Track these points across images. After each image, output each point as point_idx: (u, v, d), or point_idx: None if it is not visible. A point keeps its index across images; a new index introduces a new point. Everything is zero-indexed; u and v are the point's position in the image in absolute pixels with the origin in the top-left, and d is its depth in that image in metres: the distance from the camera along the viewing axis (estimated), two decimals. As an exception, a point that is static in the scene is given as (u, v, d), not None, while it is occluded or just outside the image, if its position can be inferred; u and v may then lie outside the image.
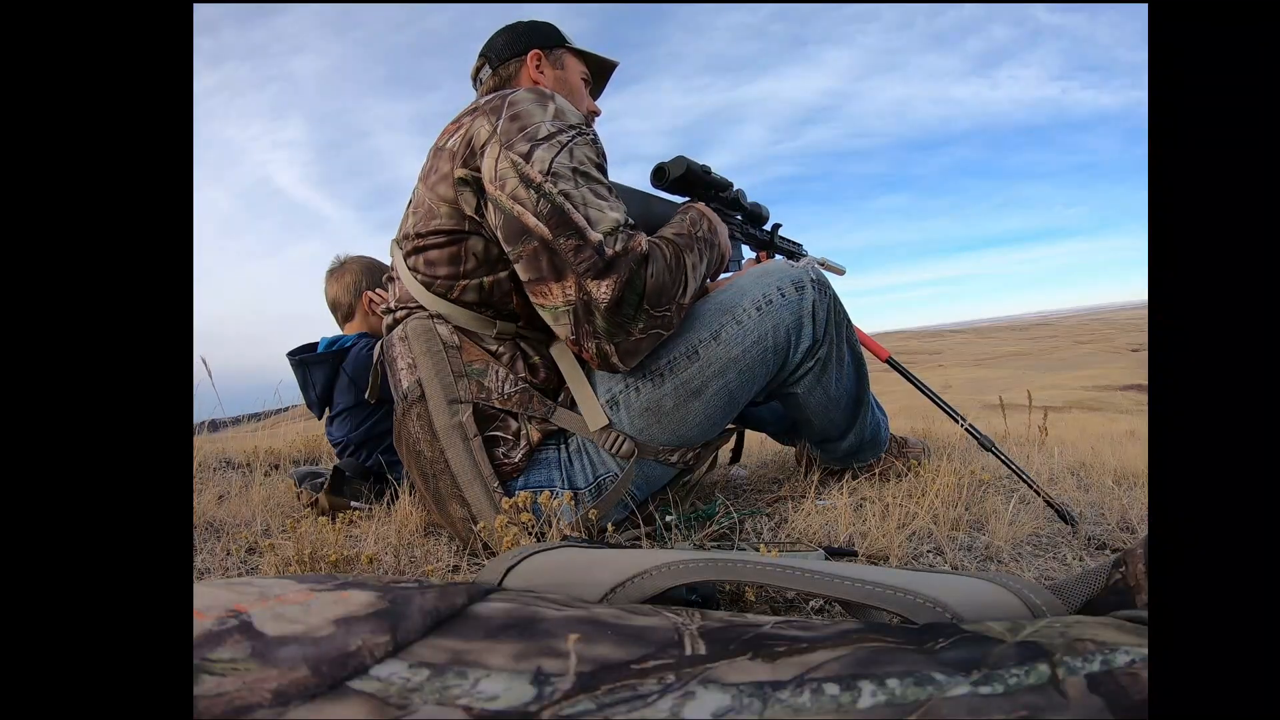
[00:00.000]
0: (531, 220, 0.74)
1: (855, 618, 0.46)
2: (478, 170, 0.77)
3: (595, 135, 0.81)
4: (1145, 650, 0.25)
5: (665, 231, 0.85)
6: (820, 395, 0.95)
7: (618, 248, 0.74)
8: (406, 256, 0.87)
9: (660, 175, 1.03)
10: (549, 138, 0.76)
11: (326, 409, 1.33)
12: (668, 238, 0.82)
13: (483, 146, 0.78)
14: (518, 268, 0.77)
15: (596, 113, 1.05)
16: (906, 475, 1.06)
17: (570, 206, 0.73)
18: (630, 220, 0.77)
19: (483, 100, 0.83)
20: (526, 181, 0.74)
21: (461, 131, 0.81)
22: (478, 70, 1.01)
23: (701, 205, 0.94)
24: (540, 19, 1.03)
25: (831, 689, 0.24)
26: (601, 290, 0.73)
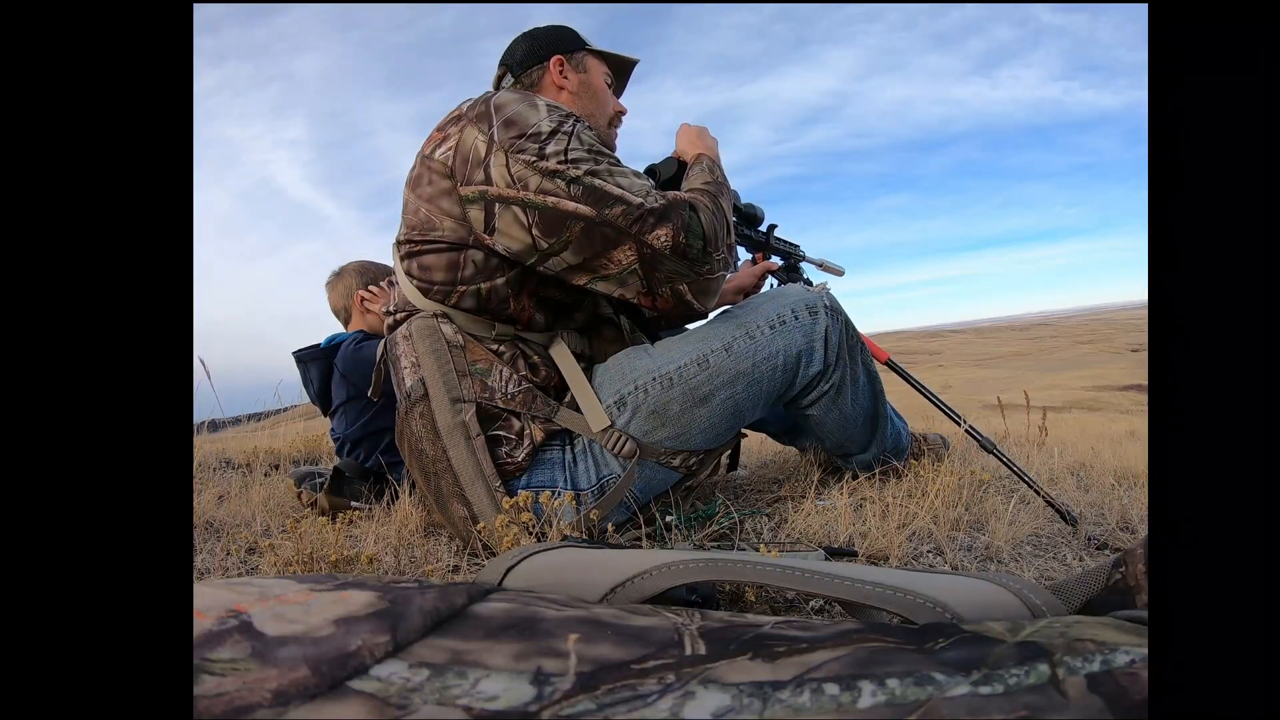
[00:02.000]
0: (570, 205, 0.76)
1: (855, 618, 0.46)
2: (485, 183, 0.77)
3: (588, 124, 0.83)
4: (1145, 650, 0.25)
5: (694, 184, 0.88)
6: (836, 416, 0.96)
7: (660, 201, 0.78)
8: (402, 260, 0.87)
9: (652, 176, 1.03)
10: (553, 133, 0.78)
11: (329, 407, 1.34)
12: (699, 188, 0.86)
13: (485, 159, 0.77)
14: (567, 254, 0.79)
15: (622, 112, 1.06)
16: (906, 475, 1.06)
17: (601, 182, 0.76)
18: (654, 183, 0.80)
19: (466, 108, 0.82)
20: (550, 174, 0.76)
21: (450, 143, 0.80)
22: (499, 79, 1.01)
23: (705, 152, 0.96)
24: (556, 23, 1.03)
25: (831, 689, 0.24)
26: (662, 239, 0.77)
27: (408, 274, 0.86)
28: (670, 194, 0.80)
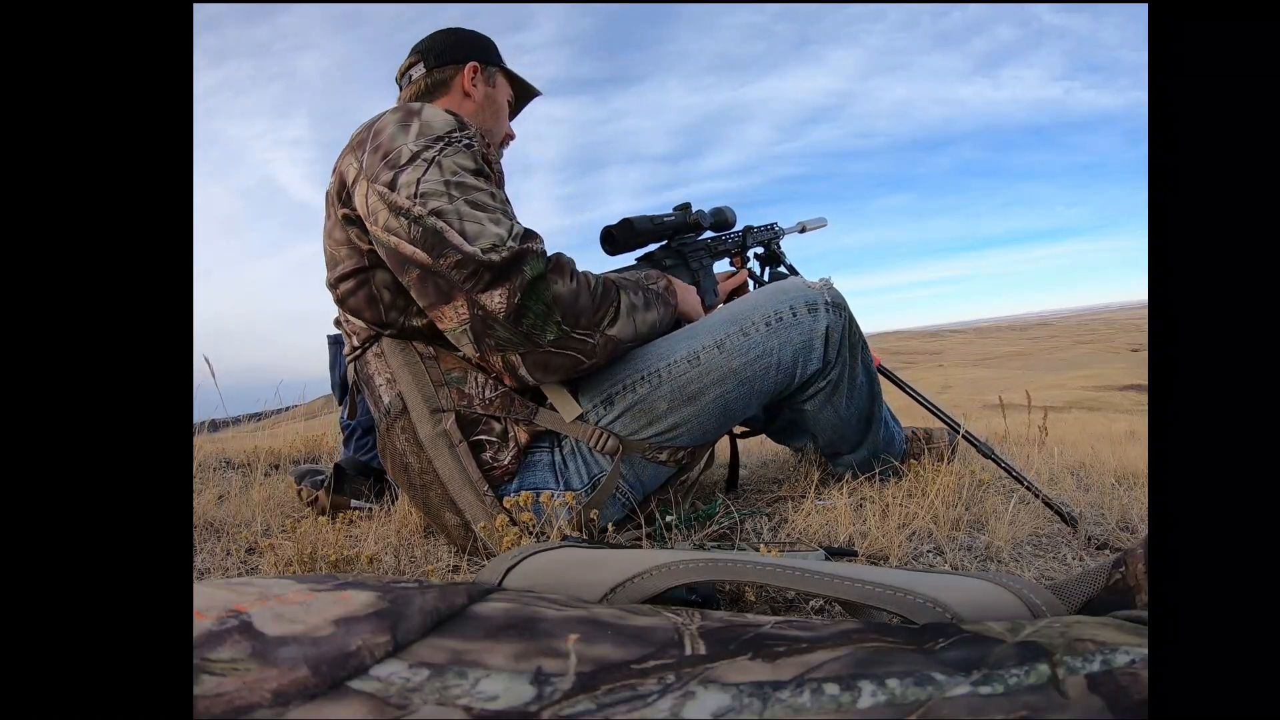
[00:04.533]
0: (408, 249, 0.71)
1: (855, 618, 0.46)
2: (354, 210, 0.77)
3: (471, 139, 0.77)
4: (1145, 650, 0.25)
5: (609, 273, 0.82)
6: (830, 414, 0.95)
7: (505, 254, 0.69)
8: (337, 303, 0.87)
9: (610, 241, 1.00)
10: (413, 159, 0.73)
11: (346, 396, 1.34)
12: (604, 274, 0.80)
13: (353, 184, 0.76)
14: (413, 296, 0.76)
15: (512, 136, 1.04)
16: (906, 475, 1.06)
17: (444, 225, 0.70)
18: (522, 230, 0.72)
19: (355, 135, 0.81)
20: (396, 210, 0.71)
21: (336, 174, 0.80)
22: (408, 67, 0.97)
23: (674, 285, 0.92)
24: (481, 32, 1.02)
25: (831, 689, 0.24)
26: (495, 301, 0.69)
27: (347, 316, 0.87)
28: (526, 246, 0.71)
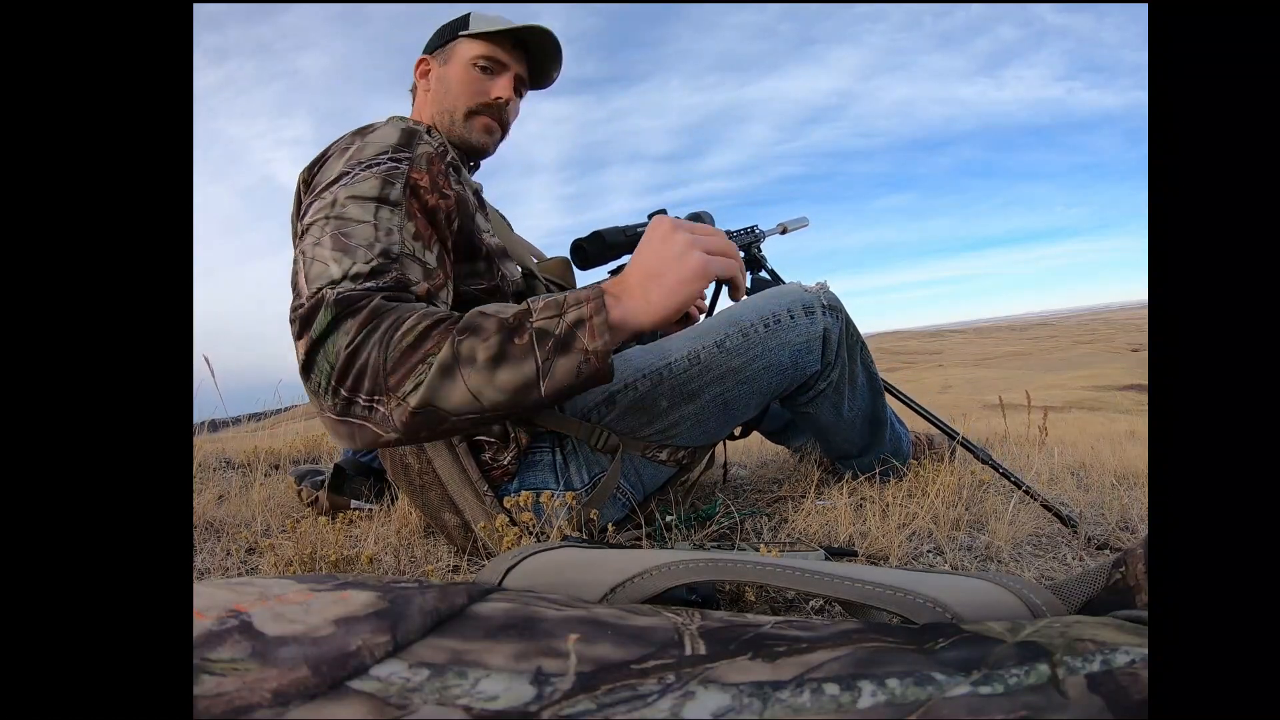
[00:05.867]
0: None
1: (855, 618, 0.46)
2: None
3: (400, 160, 0.70)
4: (1145, 650, 0.25)
5: (488, 305, 0.62)
6: (833, 415, 0.95)
7: (310, 302, 0.61)
8: None
9: (580, 254, 0.96)
10: (329, 185, 0.69)
11: None
12: (462, 315, 0.60)
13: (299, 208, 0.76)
14: None
15: (497, 99, 0.88)
16: (906, 475, 1.06)
17: (302, 264, 0.64)
18: (367, 269, 0.62)
19: (316, 157, 0.80)
20: (297, 244, 0.69)
21: (295, 194, 0.81)
22: None
23: (603, 295, 0.75)
24: (461, 13, 0.92)
25: (831, 689, 0.24)
26: (300, 354, 0.62)
27: None
28: (334, 293, 0.60)
